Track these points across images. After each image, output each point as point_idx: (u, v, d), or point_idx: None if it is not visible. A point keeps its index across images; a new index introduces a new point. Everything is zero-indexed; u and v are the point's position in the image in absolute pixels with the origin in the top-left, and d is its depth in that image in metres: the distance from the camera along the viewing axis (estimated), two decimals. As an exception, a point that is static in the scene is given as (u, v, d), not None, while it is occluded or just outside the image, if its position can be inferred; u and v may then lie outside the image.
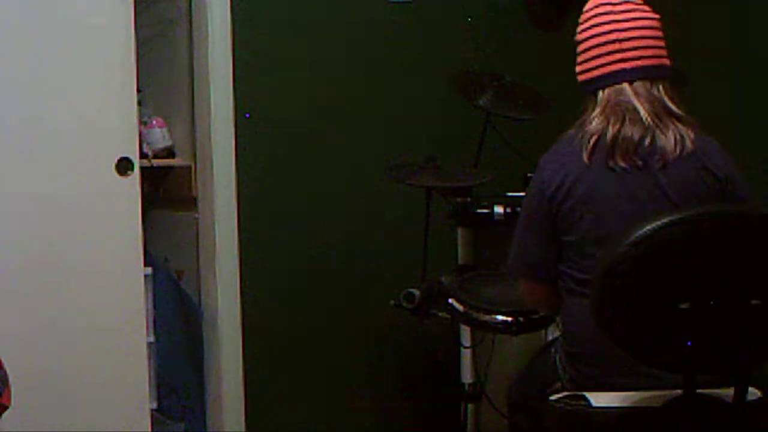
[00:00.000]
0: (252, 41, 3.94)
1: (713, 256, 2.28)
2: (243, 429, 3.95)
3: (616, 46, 2.57)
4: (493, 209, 3.68)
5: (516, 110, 3.81)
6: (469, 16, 4.29)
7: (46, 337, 3.54)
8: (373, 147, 4.10)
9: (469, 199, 3.71)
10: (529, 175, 3.64)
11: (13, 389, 2.64)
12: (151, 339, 3.93)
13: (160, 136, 4.12)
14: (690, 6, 4.15)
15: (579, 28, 2.66)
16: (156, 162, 4.07)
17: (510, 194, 3.75)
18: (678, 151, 2.51)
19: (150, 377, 3.80)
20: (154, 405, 3.97)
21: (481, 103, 3.75)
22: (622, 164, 2.51)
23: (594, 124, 2.56)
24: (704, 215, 2.33)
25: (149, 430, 3.73)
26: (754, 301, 2.27)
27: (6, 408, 2.61)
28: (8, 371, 2.65)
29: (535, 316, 3.21)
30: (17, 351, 3.05)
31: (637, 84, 2.56)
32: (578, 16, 2.73)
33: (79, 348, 3.60)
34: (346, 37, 4.10)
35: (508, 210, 3.65)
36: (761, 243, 2.30)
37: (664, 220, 2.27)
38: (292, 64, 4.01)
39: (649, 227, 2.26)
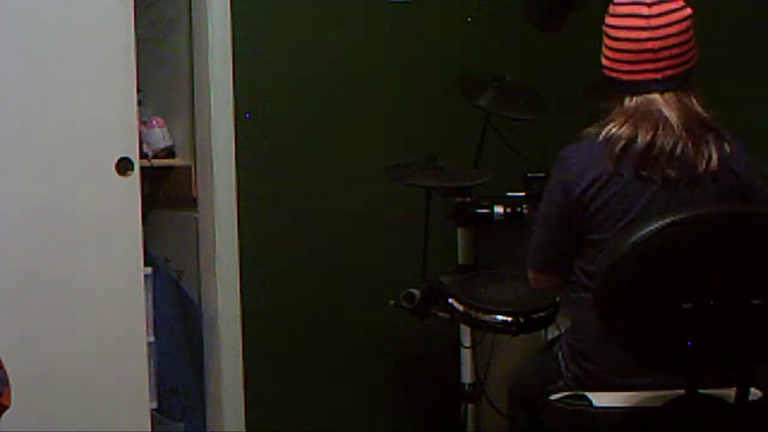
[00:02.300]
0: (252, 41, 3.94)
1: (715, 256, 2.28)
2: (243, 429, 3.95)
3: (650, 56, 2.53)
4: (493, 209, 3.68)
5: (516, 110, 3.81)
6: (469, 16, 4.29)
7: (46, 337, 3.54)
8: (373, 147, 4.10)
9: (469, 199, 3.71)
10: (529, 175, 3.67)
11: (13, 389, 2.64)
12: (151, 339, 3.92)
13: (160, 136, 4.12)
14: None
15: (610, 21, 2.59)
16: (156, 162, 4.07)
17: (510, 194, 3.75)
18: (706, 165, 2.49)
19: (150, 377, 3.80)
20: (154, 405, 3.97)
21: (481, 103, 3.75)
22: (654, 174, 2.50)
23: (621, 129, 2.53)
24: (706, 215, 2.33)
25: (149, 430, 3.73)
26: (755, 301, 2.26)
27: (6, 408, 2.61)
28: (8, 371, 2.65)
29: (535, 316, 3.21)
30: (17, 351, 3.04)
31: (668, 95, 2.54)
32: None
33: (79, 348, 3.59)
34: (346, 37, 4.10)
35: (508, 210, 3.65)
36: (762, 243, 2.30)
37: (666, 221, 2.27)
38: (292, 64, 4.01)
39: (650, 227, 2.26)
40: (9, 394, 2.62)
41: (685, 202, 2.48)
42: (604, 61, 2.62)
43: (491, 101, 3.76)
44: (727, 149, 2.52)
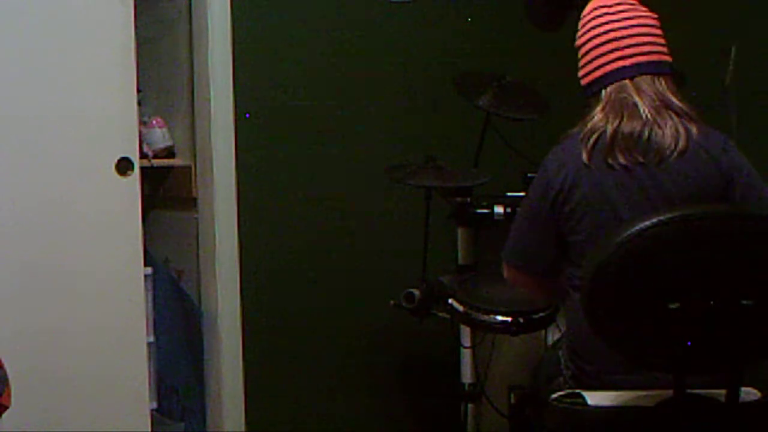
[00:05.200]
0: (252, 41, 3.94)
1: (702, 256, 2.27)
2: (243, 429, 3.95)
3: (614, 45, 2.59)
4: (493, 209, 3.68)
5: (516, 110, 3.81)
6: (469, 16, 4.29)
7: (46, 337, 3.54)
8: (373, 147, 4.11)
9: (469, 199, 3.72)
10: (529, 175, 3.67)
11: (13, 389, 2.64)
12: (151, 339, 3.93)
13: (160, 136, 4.12)
14: (689, 5, 4.15)
15: (578, 34, 2.68)
16: (156, 162, 4.07)
17: (510, 194, 3.76)
18: (674, 147, 2.50)
19: (150, 377, 3.80)
20: (154, 405, 3.98)
21: (481, 103, 3.75)
22: (622, 161, 2.51)
23: (594, 121, 2.57)
24: (692, 215, 2.30)
25: (149, 430, 3.73)
26: (744, 302, 2.25)
27: (6, 408, 2.61)
28: (8, 371, 2.65)
29: (535, 316, 3.21)
30: (17, 351, 3.05)
31: (638, 80, 2.57)
32: (578, 16, 2.74)
33: (79, 348, 3.60)
34: (346, 37, 4.10)
35: (508, 210, 3.65)
36: (750, 243, 2.28)
37: (652, 220, 2.26)
38: (292, 64, 4.01)
39: (636, 227, 2.25)
40: (9, 394, 2.62)
41: (652, 186, 2.49)
42: (580, 73, 2.67)
43: (491, 101, 3.75)
44: (695, 131, 2.53)
